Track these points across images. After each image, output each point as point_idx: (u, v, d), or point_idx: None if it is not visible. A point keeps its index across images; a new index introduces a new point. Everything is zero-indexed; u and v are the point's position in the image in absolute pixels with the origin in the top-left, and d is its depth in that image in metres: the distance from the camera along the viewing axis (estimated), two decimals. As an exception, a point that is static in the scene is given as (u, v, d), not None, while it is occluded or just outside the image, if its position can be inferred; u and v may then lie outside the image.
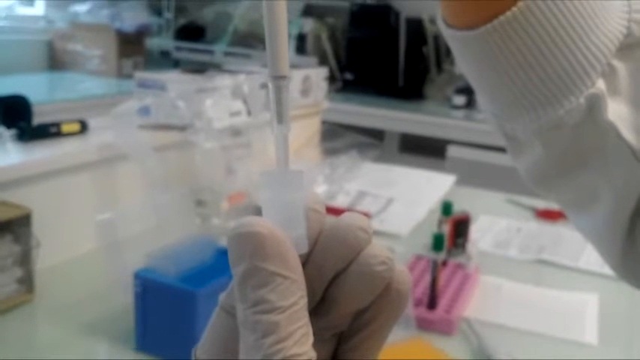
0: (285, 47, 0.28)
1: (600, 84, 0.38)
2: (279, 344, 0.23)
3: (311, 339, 0.24)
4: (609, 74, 0.38)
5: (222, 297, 0.28)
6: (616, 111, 0.38)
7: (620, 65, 0.38)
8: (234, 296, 0.26)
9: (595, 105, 0.38)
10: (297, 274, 0.25)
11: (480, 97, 0.44)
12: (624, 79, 0.39)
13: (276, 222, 0.26)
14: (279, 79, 0.28)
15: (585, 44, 0.38)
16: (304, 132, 1.73)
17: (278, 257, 0.24)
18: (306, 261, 0.27)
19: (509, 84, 0.39)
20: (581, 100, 0.38)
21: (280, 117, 0.28)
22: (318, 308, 0.27)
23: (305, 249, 0.27)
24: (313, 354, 0.24)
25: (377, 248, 0.27)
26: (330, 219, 0.28)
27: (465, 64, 0.42)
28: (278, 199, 0.27)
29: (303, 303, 0.24)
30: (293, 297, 0.24)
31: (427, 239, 1.11)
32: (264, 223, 0.25)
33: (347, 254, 0.27)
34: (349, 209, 1.33)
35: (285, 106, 0.28)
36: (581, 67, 0.38)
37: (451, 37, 0.41)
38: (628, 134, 0.38)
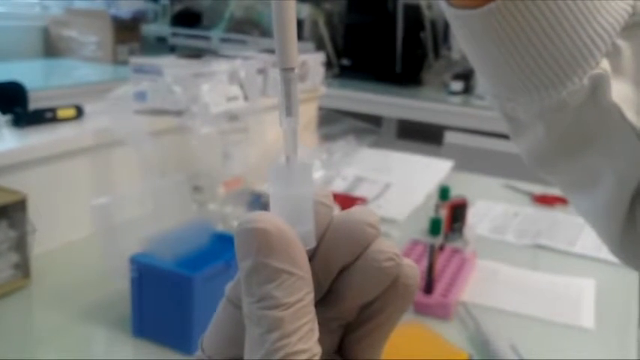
0: (294, 39, 0.27)
1: (604, 64, 0.38)
2: (283, 340, 0.23)
3: (316, 335, 0.24)
4: (614, 54, 0.38)
5: (228, 288, 0.28)
6: (620, 92, 0.38)
7: (624, 45, 0.38)
8: (241, 289, 0.25)
9: (599, 86, 0.38)
10: (304, 270, 0.25)
11: (482, 78, 0.43)
12: (628, 59, 0.38)
13: (283, 217, 0.25)
14: (288, 71, 0.27)
15: (590, 23, 0.37)
16: (301, 117, 1.72)
17: (284, 253, 0.24)
18: (313, 254, 0.27)
19: (512, 64, 0.39)
20: (585, 80, 0.38)
21: (289, 110, 0.27)
22: (325, 299, 0.27)
23: (313, 244, 0.27)
24: (318, 350, 0.24)
25: (384, 244, 0.27)
26: (338, 212, 0.28)
27: (467, 43, 0.41)
28: (286, 194, 0.27)
29: (309, 299, 0.24)
30: (299, 293, 0.24)
31: (424, 224, 1.11)
32: (271, 218, 0.25)
33: (354, 249, 0.27)
34: (347, 194, 1.32)
35: (294, 98, 0.27)
36: (585, 47, 0.37)
37: (453, 16, 0.40)
38: (631, 115, 0.38)
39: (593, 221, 0.45)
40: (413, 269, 0.27)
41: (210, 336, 0.28)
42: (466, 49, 0.42)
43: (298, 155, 0.28)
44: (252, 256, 0.24)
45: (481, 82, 0.44)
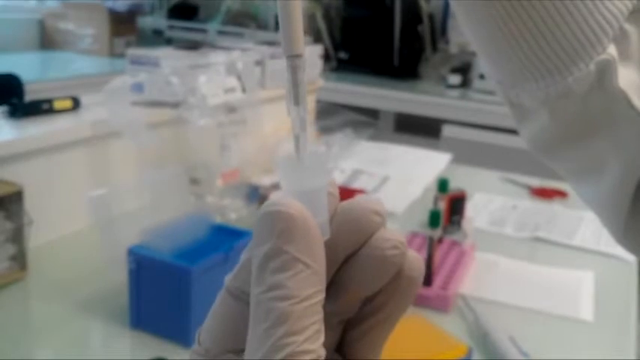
0: (299, 25, 0.26)
1: (611, 49, 0.37)
2: (290, 337, 0.22)
3: (322, 338, 0.23)
4: (621, 39, 0.37)
5: (228, 279, 0.27)
6: (627, 78, 0.37)
7: (632, 29, 0.37)
8: (241, 280, 0.25)
9: (605, 72, 0.37)
10: (320, 265, 0.24)
11: (485, 64, 0.43)
12: (636, 44, 0.37)
13: None
14: (295, 58, 0.26)
15: (597, 7, 0.36)
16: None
17: (305, 243, 0.23)
18: None
19: (516, 49, 0.38)
20: (591, 66, 0.37)
21: (297, 98, 0.26)
22: (327, 292, 0.26)
23: (327, 235, 0.26)
24: (323, 352, 0.23)
25: (390, 232, 0.26)
26: (343, 201, 0.27)
27: (470, 28, 0.41)
28: (300, 186, 0.26)
29: (319, 298, 0.23)
30: (311, 289, 0.23)
31: (422, 217, 1.11)
32: (297, 205, 0.24)
33: (359, 237, 0.26)
34: (345, 187, 1.32)
35: (301, 86, 0.26)
36: (591, 32, 0.37)
37: (457, 0, 0.40)
38: (638, 102, 0.37)
39: (597, 209, 0.45)
40: (417, 261, 0.26)
41: (207, 328, 0.27)
42: (469, 34, 0.41)
43: (307, 144, 0.27)
44: (273, 239, 0.23)
45: (484, 68, 0.43)
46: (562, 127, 0.40)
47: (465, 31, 0.42)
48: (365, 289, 0.26)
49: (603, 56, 0.37)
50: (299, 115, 0.27)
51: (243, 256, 0.26)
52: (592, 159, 0.41)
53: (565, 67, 0.38)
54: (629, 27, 0.37)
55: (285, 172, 0.26)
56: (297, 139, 0.26)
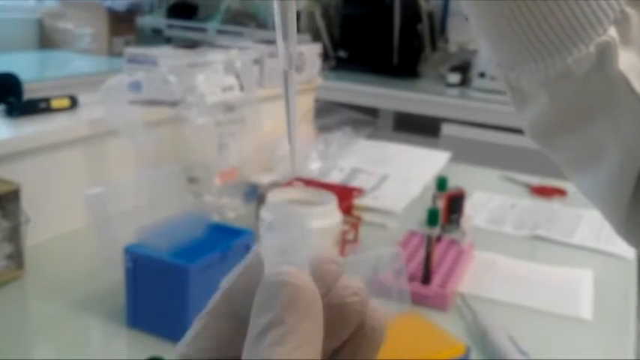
0: None
1: (612, 32, 0.37)
2: None
3: None
4: (622, 21, 0.37)
5: (179, 346, 0.26)
6: (627, 61, 0.37)
7: (633, 13, 0.37)
8: (200, 348, 0.25)
9: (605, 54, 0.37)
10: (318, 343, 0.23)
11: (485, 45, 0.42)
12: (637, 28, 0.37)
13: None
14: None
15: None
16: (298, 109, 1.71)
17: (307, 318, 0.23)
18: None
19: (517, 29, 0.38)
20: (591, 48, 0.37)
21: (285, 33, 0.26)
22: None
23: None
24: None
25: (349, 279, 0.26)
26: None
27: (471, 10, 0.41)
28: (283, 242, 0.26)
29: None
30: None
31: (421, 216, 1.10)
32: (305, 277, 0.23)
33: (320, 290, 0.25)
34: (344, 186, 1.31)
35: (291, 23, 0.26)
36: (592, 13, 0.37)
37: None
38: (638, 86, 0.37)
39: (597, 201, 0.44)
40: (379, 312, 0.26)
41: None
42: (470, 15, 0.41)
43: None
44: (275, 310, 0.23)
45: (484, 51, 0.43)
46: (561, 110, 0.40)
47: (466, 11, 0.42)
48: (331, 340, 0.26)
49: (604, 38, 0.37)
50: (287, 51, 0.26)
51: (197, 321, 0.26)
52: (591, 146, 0.41)
53: (565, 48, 0.37)
54: (630, 10, 0.37)
55: (268, 226, 0.26)
56: (285, 76, 0.26)
